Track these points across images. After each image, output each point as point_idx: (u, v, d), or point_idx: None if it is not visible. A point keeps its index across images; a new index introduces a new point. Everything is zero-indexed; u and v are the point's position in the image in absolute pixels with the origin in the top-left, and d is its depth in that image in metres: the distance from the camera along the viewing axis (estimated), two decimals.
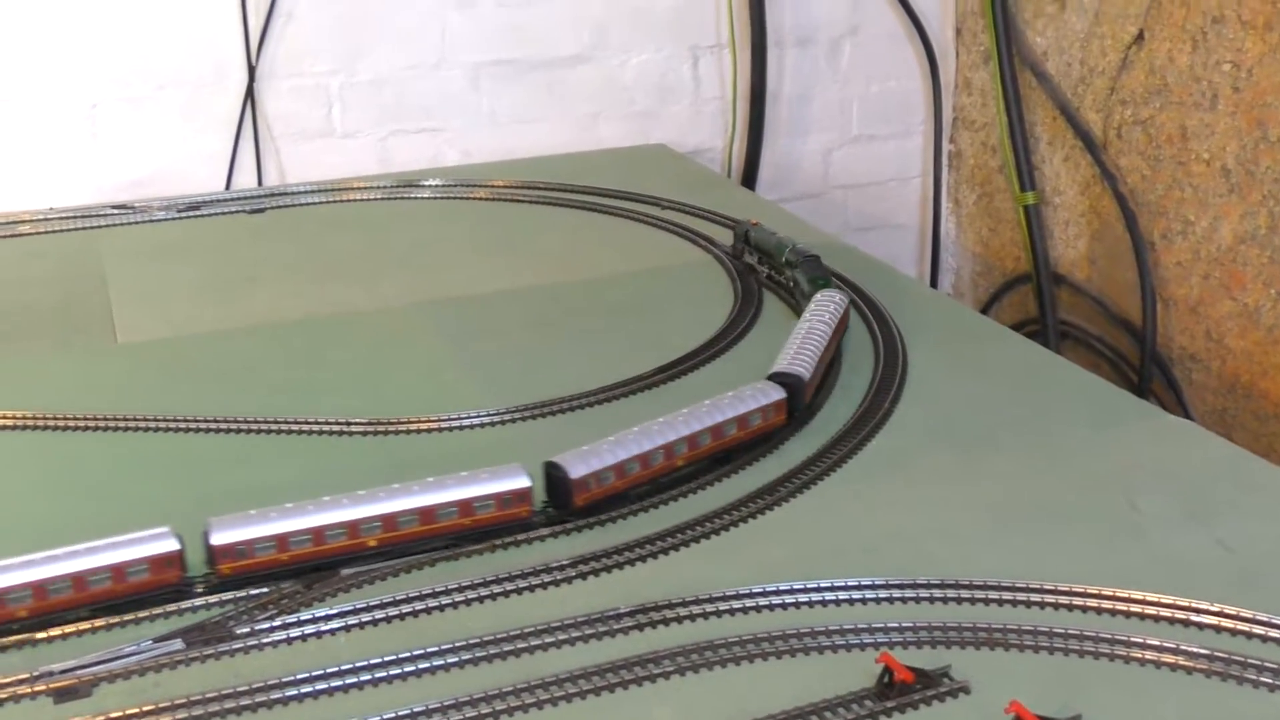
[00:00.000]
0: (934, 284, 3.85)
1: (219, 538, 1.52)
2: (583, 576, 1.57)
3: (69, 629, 1.47)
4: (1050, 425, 1.92)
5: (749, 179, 3.62)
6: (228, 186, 3.23)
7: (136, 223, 2.94)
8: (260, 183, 3.26)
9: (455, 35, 3.34)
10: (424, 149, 3.36)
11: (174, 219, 2.96)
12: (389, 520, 1.59)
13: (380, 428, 1.95)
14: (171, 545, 1.51)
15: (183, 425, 1.95)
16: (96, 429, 1.96)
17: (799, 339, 1.99)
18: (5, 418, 1.98)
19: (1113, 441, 1.85)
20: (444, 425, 1.97)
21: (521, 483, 1.65)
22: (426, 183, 3.11)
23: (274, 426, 1.95)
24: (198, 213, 3.00)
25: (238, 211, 3.01)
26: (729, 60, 3.57)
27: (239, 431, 1.94)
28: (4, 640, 1.45)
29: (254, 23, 3.15)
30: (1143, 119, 3.08)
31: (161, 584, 1.50)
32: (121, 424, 1.96)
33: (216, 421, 1.95)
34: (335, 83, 3.28)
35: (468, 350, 2.25)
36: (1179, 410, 3.04)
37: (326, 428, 1.94)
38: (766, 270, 2.50)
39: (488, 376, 2.14)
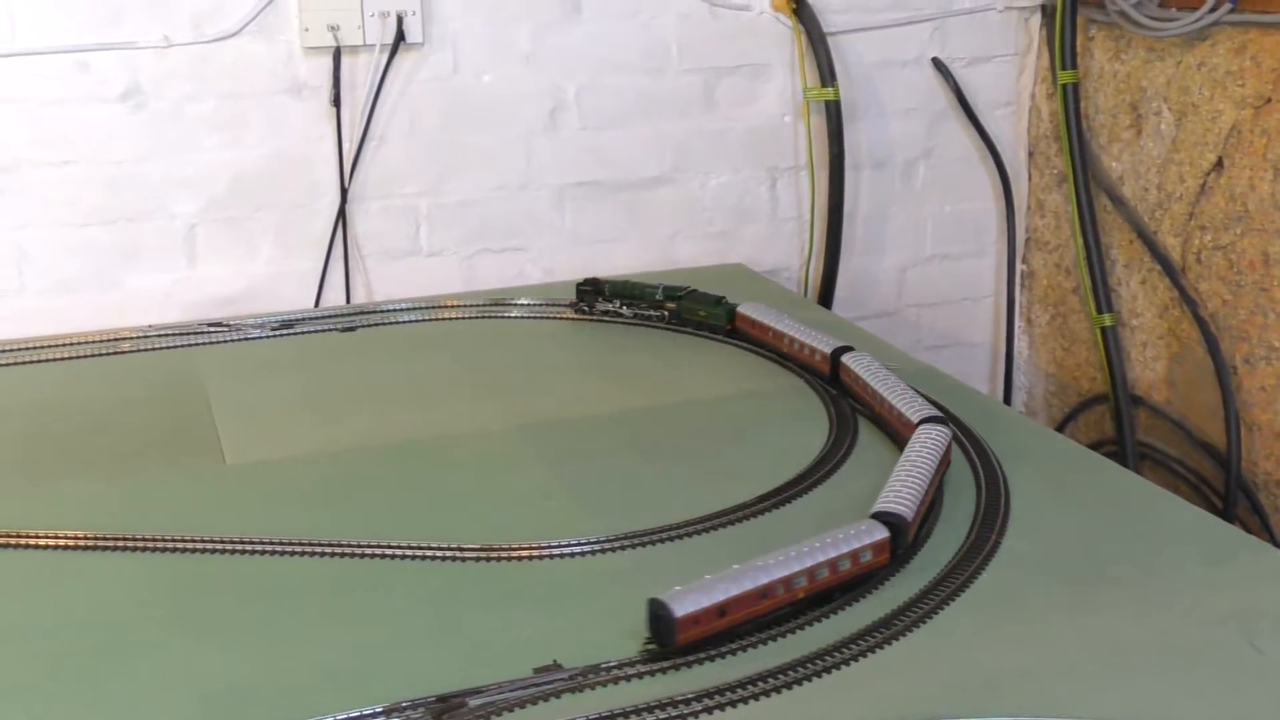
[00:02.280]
0: (1007, 403, 3.86)
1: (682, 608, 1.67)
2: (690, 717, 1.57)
3: None
4: (1160, 560, 1.92)
5: (825, 298, 3.66)
6: (317, 304, 3.31)
7: (233, 340, 3.01)
8: (348, 300, 3.33)
9: (541, 158, 3.43)
10: (508, 267, 3.43)
11: (268, 337, 3.03)
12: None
13: (491, 554, 1.97)
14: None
15: (296, 549, 1.99)
16: (211, 552, 1.99)
17: (902, 475, 2.00)
18: (119, 540, 2.02)
19: (1226, 578, 1.85)
20: (550, 552, 1.99)
21: (880, 534, 1.84)
22: (517, 301, 3.17)
23: (386, 550, 1.98)
24: (291, 331, 3.06)
25: (330, 329, 3.08)
26: (807, 181, 3.64)
27: (351, 555, 1.97)
28: None
29: (348, 147, 3.24)
30: (1223, 245, 3.11)
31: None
32: (236, 547, 1.99)
33: (330, 545, 1.99)
34: (424, 204, 3.37)
35: (567, 475, 2.27)
36: (1265, 535, 3.03)
37: (439, 552, 1.97)
38: (633, 313, 2.90)
39: (588, 502, 2.17)
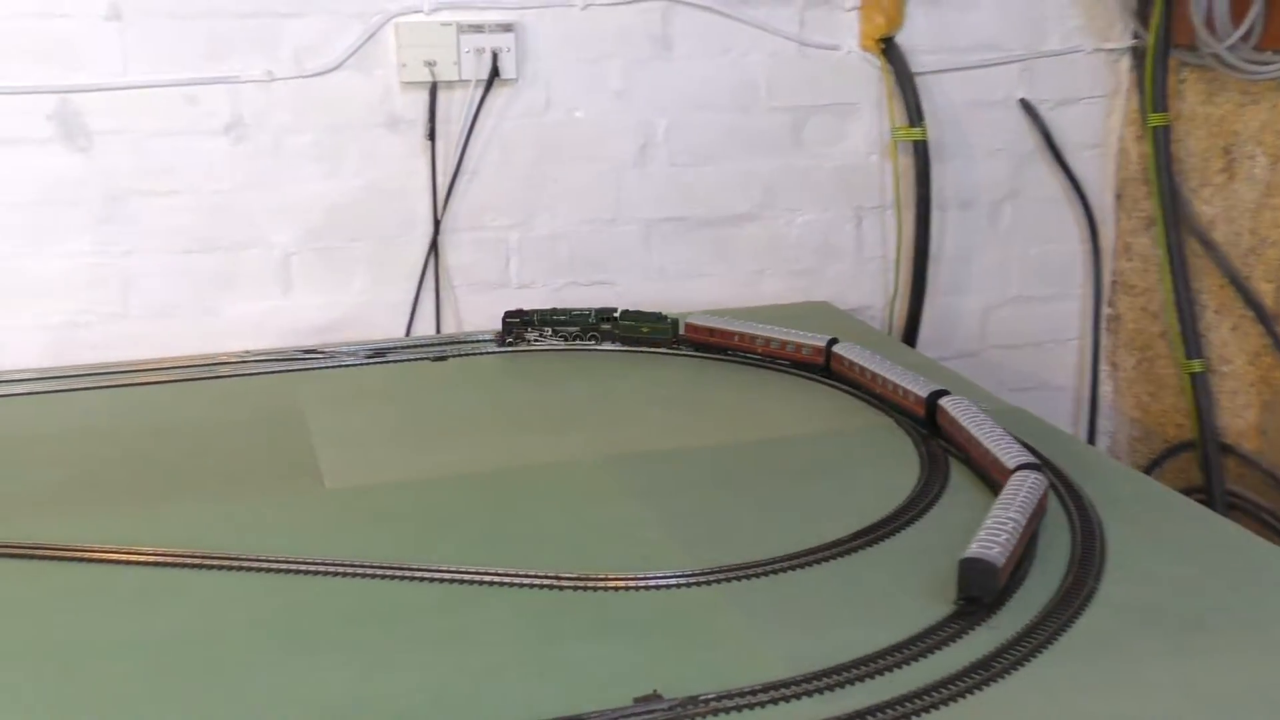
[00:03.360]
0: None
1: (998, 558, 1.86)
2: None
3: None
4: (1260, 610, 1.90)
5: (909, 337, 3.67)
6: (408, 333, 3.36)
7: (327, 367, 3.07)
8: (438, 330, 3.39)
9: (630, 193, 3.47)
10: (595, 300, 3.46)
11: (362, 364, 3.09)
12: None
13: (587, 583, 1.99)
14: None
15: (398, 573, 2.02)
16: (315, 573, 2.03)
17: (996, 520, 1.99)
18: (225, 560, 2.07)
19: None
20: (644, 584, 2.01)
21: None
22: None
23: (484, 577, 2.01)
24: (383, 359, 3.12)
25: (421, 359, 3.13)
26: (893, 220, 3.65)
27: (451, 581, 2.00)
28: None
29: (441, 180, 3.30)
30: None
31: None
32: (338, 569, 2.03)
33: (430, 570, 2.02)
34: (514, 236, 3.42)
35: (658, 508, 2.29)
36: None
37: (536, 580, 2.00)
38: (565, 339, 3.05)
39: (681, 535, 2.18)
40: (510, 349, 3.13)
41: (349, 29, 3.17)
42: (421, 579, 2.01)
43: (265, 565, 2.06)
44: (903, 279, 3.67)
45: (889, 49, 3.50)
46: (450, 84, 3.25)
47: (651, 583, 2.01)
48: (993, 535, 1.94)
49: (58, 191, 3.08)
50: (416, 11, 3.20)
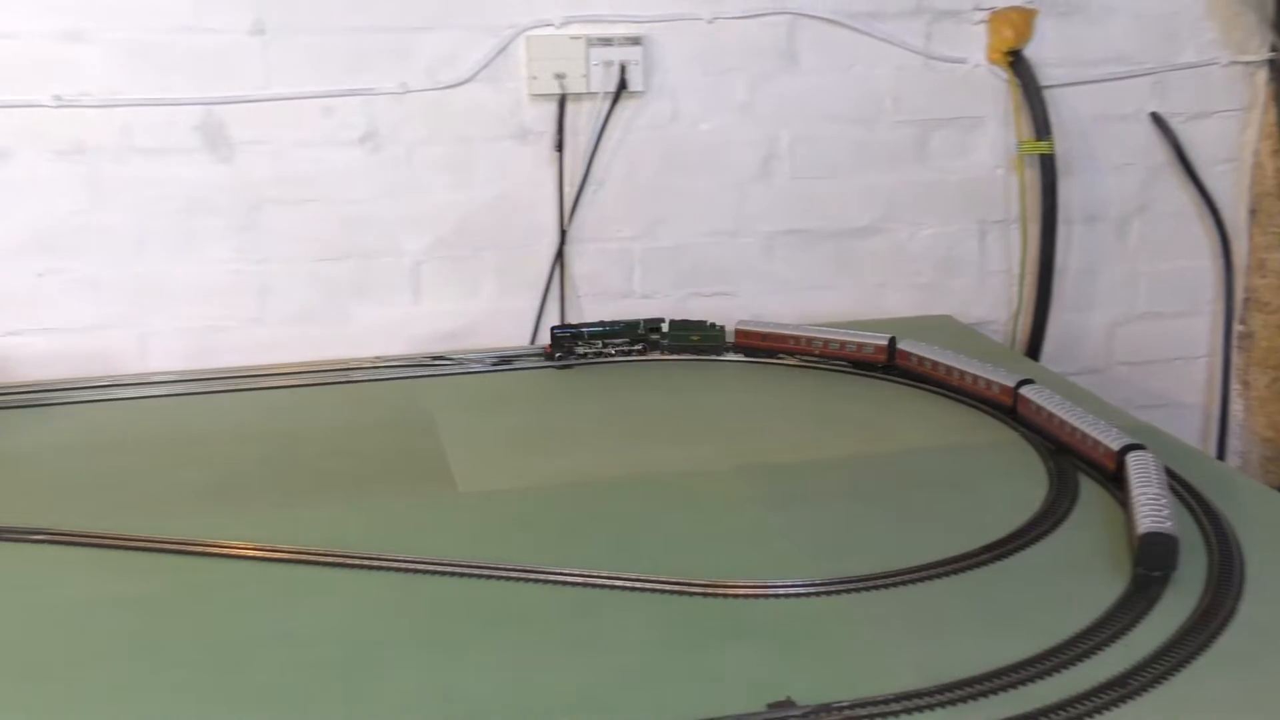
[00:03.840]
0: None
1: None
2: None
3: None
4: None
5: (1033, 352, 3.63)
6: (533, 341, 3.42)
7: (455, 374, 3.14)
8: None
9: (753, 205, 3.49)
10: (716, 311, 3.48)
11: (488, 371, 3.16)
12: None
13: (717, 590, 2.02)
14: None
15: (532, 576, 2.06)
16: (451, 574, 2.08)
17: (1145, 497, 2.02)
18: (365, 559, 2.13)
19: None
20: (772, 592, 2.03)
21: None
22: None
23: (616, 582, 2.04)
24: (509, 366, 3.18)
25: (546, 366, 3.19)
26: (1017, 234, 3.62)
27: (584, 585, 2.04)
28: None
29: (568, 191, 3.36)
30: None
31: None
32: (475, 571, 2.08)
33: (564, 573, 2.06)
34: (638, 247, 3.46)
35: (787, 517, 2.31)
36: None
37: (666, 586, 2.02)
38: (615, 350, 3.11)
39: (810, 545, 2.19)
40: (562, 364, 3.16)
41: (481, 42, 3.24)
42: (557, 582, 2.05)
43: (405, 565, 2.11)
44: (1027, 293, 3.64)
45: (1017, 62, 3.48)
46: (579, 96, 3.30)
47: (780, 591, 2.02)
48: (1155, 510, 1.97)
49: (201, 200, 3.19)
50: (547, 25, 3.25)
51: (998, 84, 3.53)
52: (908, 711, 1.69)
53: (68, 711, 1.73)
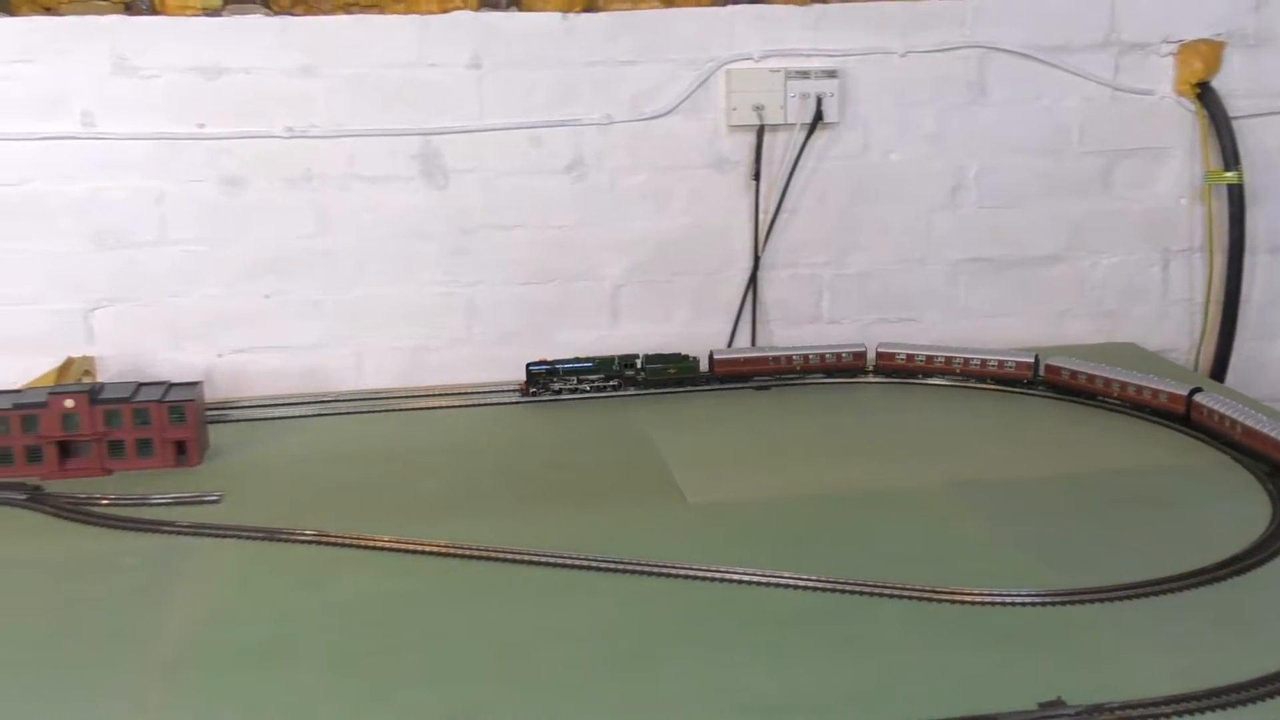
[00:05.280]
0: None
1: None
2: None
3: None
4: None
5: (1217, 379, 3.65)
6: None
7: (657, 393, 3.26)
8: None
9: (939, 234, 3.57)
10: (901, 337, 3.56)
11: (688, 391, 3.27)
12: None
13: (960, 597, 2.10)
14: None
15: (773, 580, 2.17)
16: (704, 579, 2.19)
17: None
18: (611, 563, 2.24)
19: None
20: (993, 599, 2.10)
21: None
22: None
23: (843, 587, 2.13)
24: (707, 387, 3.29)
25: (744, 388, 3.29)
26: (1200, 264, 3.66)
27: (828, 590, 2.13)
28: None
29: (762, 219, 3.47)
30: None
31: None
32: (723, 576, 2.19)
33: (803, 579, 2.16)
34: (827, 273, 3.56)
35: (1009, 531, 2.38)
36: None
37: (910, 593, 2.11)
38: (590, 386, 3.18)
39: (1039, 556, 2.26)
40: (535, 399, 3.23)
41: (682, 76, 3.37)
42: (800, 587, 2.15)
43: (655, 570, 2.22)
44: (1211, 322, 3.66)
45: (1205, 93, 3.52)
46: (775, 127, 3.42)
47: (996, 599, 2.10)
48: None
49: (417, 226, 3.36)
50: (746, 59, 3.38)
51: (1184, 115, 3.57)
52: (1177, 715, 1.76)
53: (382, 698, 1.86)
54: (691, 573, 2.20)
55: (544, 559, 2.28)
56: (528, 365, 3.24)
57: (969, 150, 3.53)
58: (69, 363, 3.12)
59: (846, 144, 3.48)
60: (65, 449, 2.74)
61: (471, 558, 2.30)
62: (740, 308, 3.52)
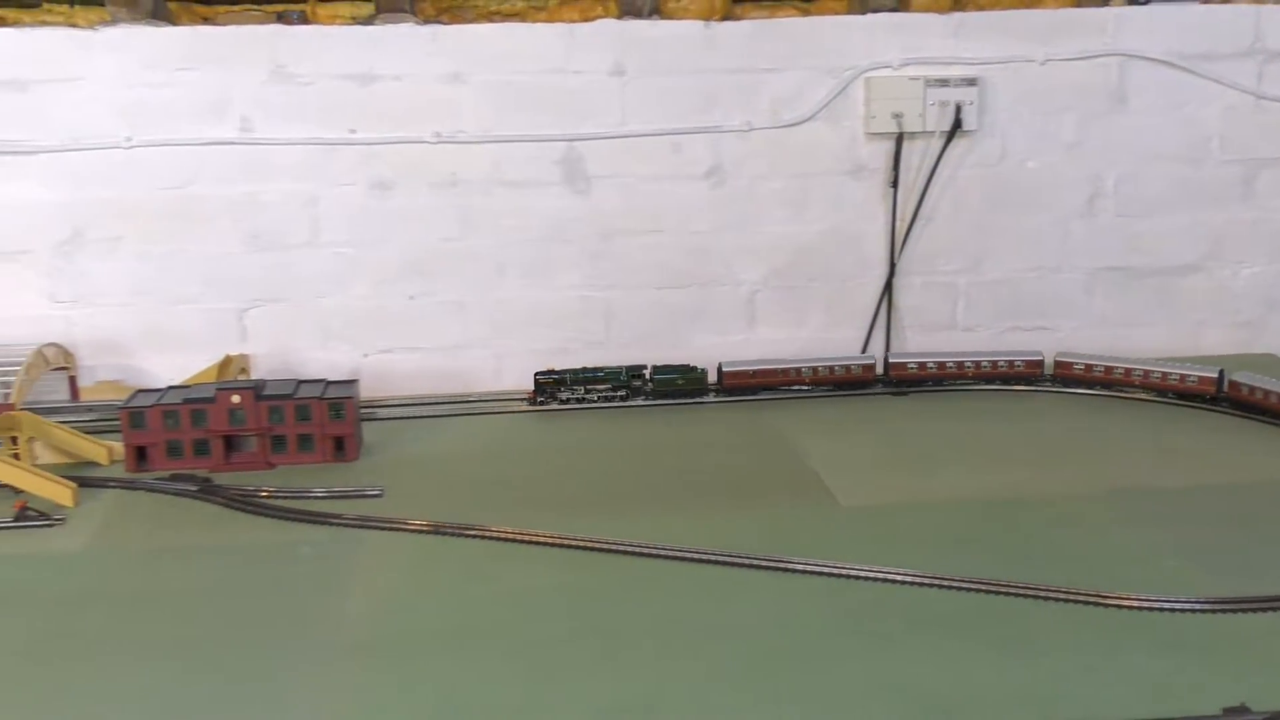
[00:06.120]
0: None
1: None
2: None
3: None
4: None
5: None
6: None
7: (789, 397, 3.29)
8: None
9: (1075, 242, 3.56)
10: (1033, 344, 3.55)
11: (827, 396, 3.30)
12: None
13: (1100, 600, 2.11)
14: None
15: (934, 583, 2.19)
16: (855, 578, 2.22)
17: None
18: (773, 563, 2.28)
19: None
20: (1157, 605, 2.10)
21: None
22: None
23: (1004, 589, 2.15)
24: (842, 392, 3.32)
25: (881, 393, 3.32)
26: None
27: (986, 592, 2.15)
28: None
29: (899, 226, 3.48)
30: None
31: None
32: (875, 575, 2.22)
33: (962, 581, 2.18)
34: (963, 281, 3.56)
35: (1166, 539, 2.37)
36: None
37: (1075, 597, 2.12)
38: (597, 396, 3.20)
39: (1200, 564, 2.26)
40: (543, 408, 3.26)
41: (822, 84, 3.40)
42: (960, 589, 2.17)
43: (814, 569, 2.26)
44: None
45: None
46: (913, 134, 3.43)
47: (1184, 607, 2.09)
48: None
49: (558, 230, 3.42)
50: (885, 67, 3.40)
51: None
52: None
53: (560, 684, 1.91)
54: (851, 572, 2.23)
55: (706, 556, 2.32)
56: (535, 375, 3.28)
57: (1108, 158, 3.52)
58: (228, 360, 3.22)
59: (984, 151, 3.48)
60: (229, 443, 2.83)
61: (634, 554, 2.35)
62: (875, 314, 3.54)
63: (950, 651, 1.98)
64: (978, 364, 3.30)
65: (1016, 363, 3.31)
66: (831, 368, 3.31)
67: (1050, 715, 1.80)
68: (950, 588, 2.18)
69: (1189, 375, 3.18)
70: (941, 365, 3.31)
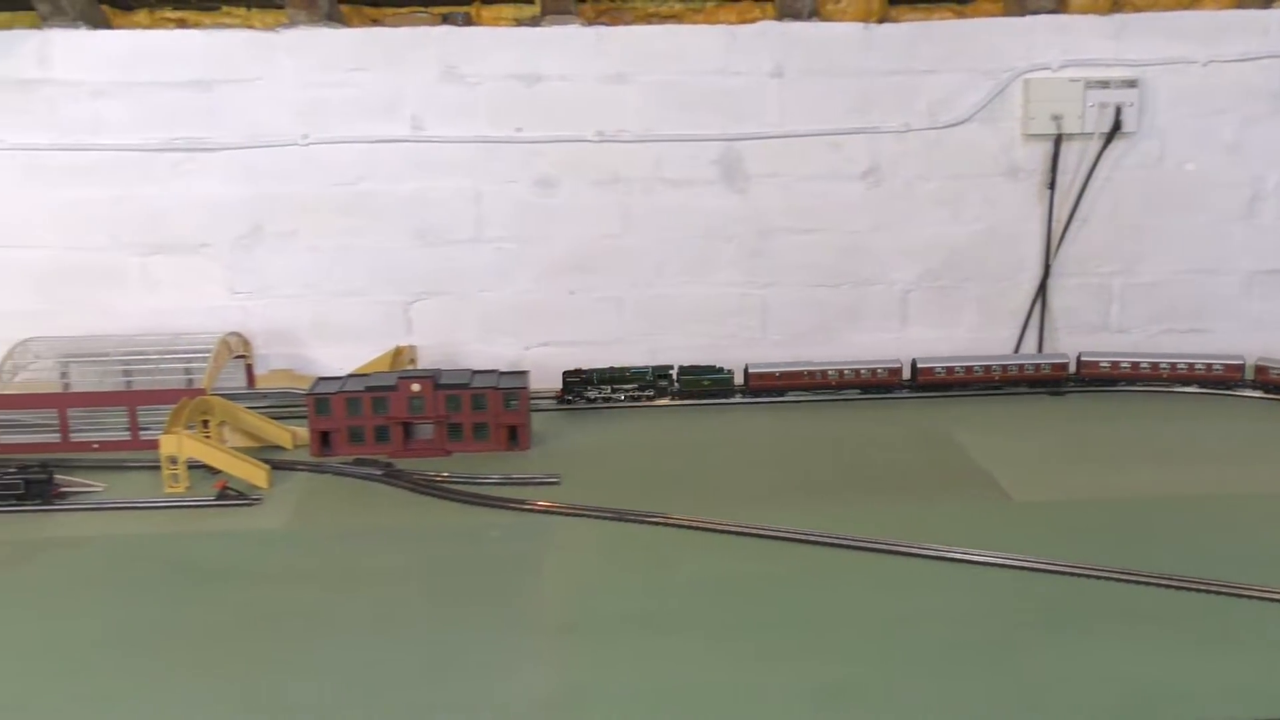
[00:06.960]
0: None
1: None
2: None
3: None
4: None
5: None
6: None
7: (946, 396, 3.31)
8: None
9: (1234, 245, 3.54)
10: (1187, 348, 3.53)
11: (977, 395, 3.33)
12: None
13: (1221, 589, 2.14)
14: None
15: (1113, 576, 2.22)
16: (1035, 571, 2.26)
17: None
18: (952, 555, 2.32)
19: None
20: None
21: None
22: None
23: (1194, 586, 2.18)
24: (999, 391, 3.34)
25: (1036, 393, 3.33)
26: None
27: (1166, 588, 2.18)
28: None
29: (1054, 227, 3.49)
30: None
31: None
32: (1055, 569, 2.26)
33: (1140, 575, 2.22)
34: (1117, 283, 3.56)
35: None
36: None
37: (1244, 593, 2.14)
38: (624, 394, 3.24)
39: None
40: (570, 406, 3.29)
41: (979, 85, 3.42)
42: (1137, 583, 2.20)
43: (994, 561, 2.29)
44: None
45: None
46: (1070, 136, 3.44)
47: None
48: None
49: (717, 228, 3.48)
50: (1044, 69, 3.41)
51: None
52: None
53: (758, 669, 1.97)
54: (1033, 565, 2.27)
55: (888, 548, 2.36)
56: (564, 373, 3.33)
57: (1269, 161, 3.50)
58: (399, 351, 3.33)
59: (1142, 153, 3.48)
60: (407, 430, 2.93)
61: (818, 544, 2.40)
62: (1028, 315, 3.56)
63: (1147, 644, 2.01)
64: (1174, 365, 3.30)
65: (1215, 366, 3.30)
66: (873, 370, 3.36)
67: (1255, 709, 1.81)
68: (1139, 583, 2.20)
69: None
70: (1135, 365, 3.31)
